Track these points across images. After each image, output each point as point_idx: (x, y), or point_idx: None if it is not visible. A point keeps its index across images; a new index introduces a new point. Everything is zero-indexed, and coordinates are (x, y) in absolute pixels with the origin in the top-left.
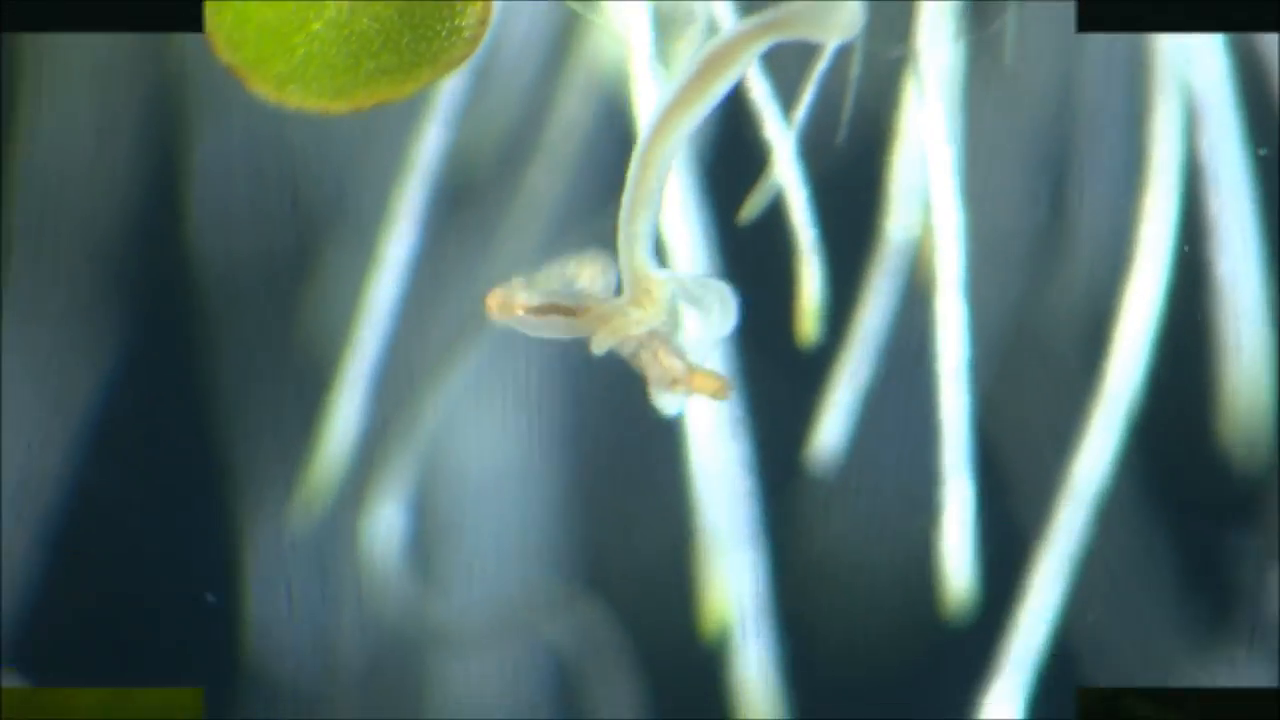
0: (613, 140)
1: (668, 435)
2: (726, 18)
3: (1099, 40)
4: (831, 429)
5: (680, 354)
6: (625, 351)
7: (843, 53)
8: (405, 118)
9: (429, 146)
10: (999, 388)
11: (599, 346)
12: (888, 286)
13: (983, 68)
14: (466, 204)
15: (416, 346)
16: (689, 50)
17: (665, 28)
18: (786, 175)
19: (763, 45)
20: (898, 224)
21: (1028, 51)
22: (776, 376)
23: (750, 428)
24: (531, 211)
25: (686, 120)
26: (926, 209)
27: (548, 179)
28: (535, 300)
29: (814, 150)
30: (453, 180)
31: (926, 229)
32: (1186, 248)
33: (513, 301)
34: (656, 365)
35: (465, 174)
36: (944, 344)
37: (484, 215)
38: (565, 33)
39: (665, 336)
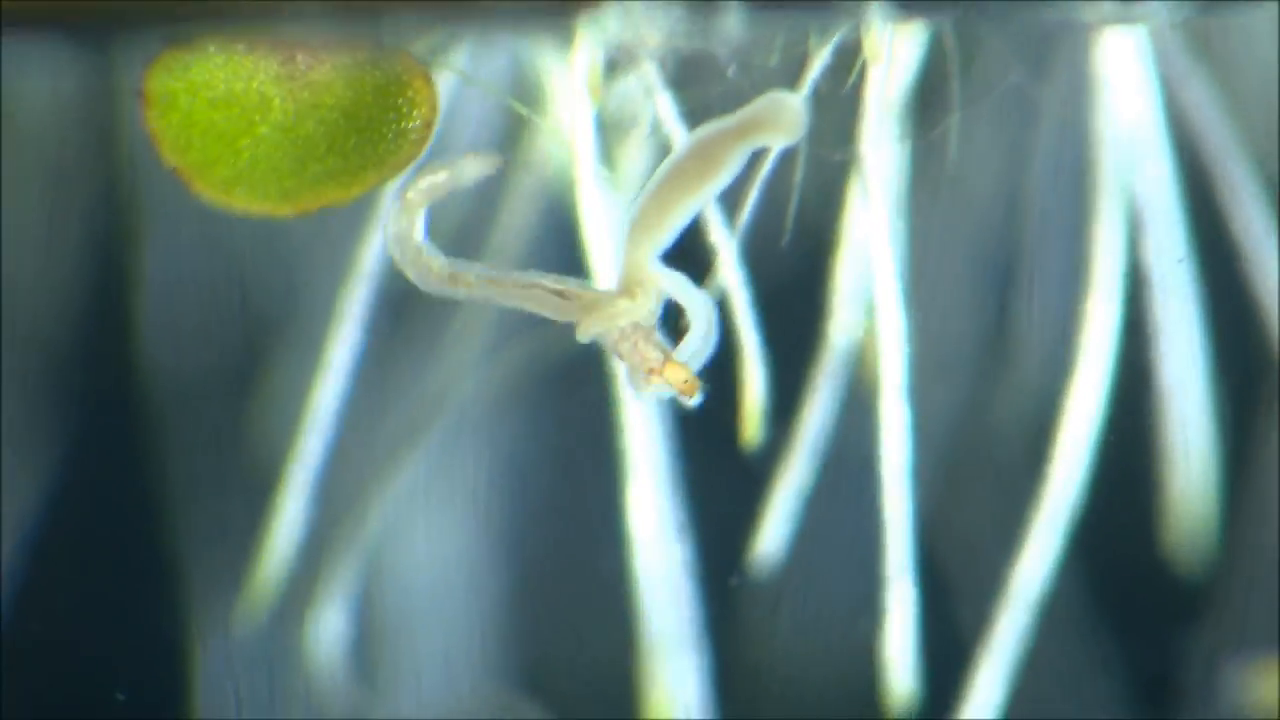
0: (558, 244)
1: (612, 538)
2: (671, 122)
3: (1044, 144)
4: (775, 532)
5: (660, 345)
6: (607, 341)
7: (787, 156)
8: (351, 221)
9: (374, 251)
10: (942, 492)
11: (585, 333)
12: (831, 390)
13: (927, 171)
14: (412, 308)
15: (361, 450)
16: (634, 154)
17: (610, 131)
18: (731, 278)
19: (731, 153)
20: (841, 327)
21: (972, 156)
22: (720, 479)
23: (694, 531)
24: (477, 315)
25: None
26: (870, 312)
27: None
28: (530, 279)
29: (758, 253)
30: (398, 284)
31: (870, 332)
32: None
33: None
34: (636, 354)
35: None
36: (887, 448)
37: (429, 320)
38: (511, 135)
39: (647, 329)
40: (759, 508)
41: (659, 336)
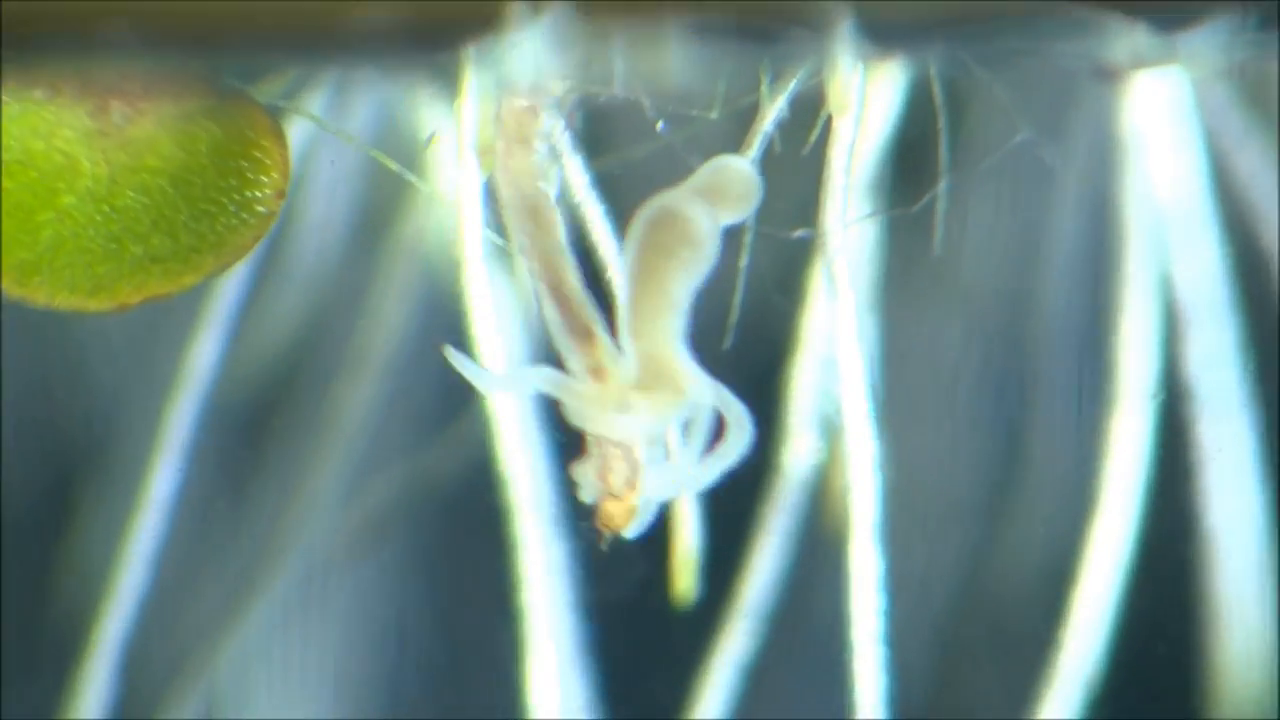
0: (438, 336)
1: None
2: (582, 191)
3: (1058, 223)
4: (713, 711)
5: (635, 471)
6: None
7: (732, 236)
8: (179, 320)
9: (207, 354)
10: (929, 666)
11: (581, 420)
12: (784, 534)
13: (908, 256)
14: (256, 429)
15: (189, 607)
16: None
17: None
18: None
19: (703, 212)
20: (799, 453)
21: (965, 236)
22: (644, 646)
23: (609, 711)
24: (338, 439)
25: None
26: (834, 435)
27: (358, 397)
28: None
29: (696, 358)
30: (239, 398)
31: (834, 460)
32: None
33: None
34: (608, 461)
35: (253, 388)
36: (857, 608)
37: (278, 443)
38: (381, 206)
39: (631, 445)
40: (692, 683)
41: (645, 458)
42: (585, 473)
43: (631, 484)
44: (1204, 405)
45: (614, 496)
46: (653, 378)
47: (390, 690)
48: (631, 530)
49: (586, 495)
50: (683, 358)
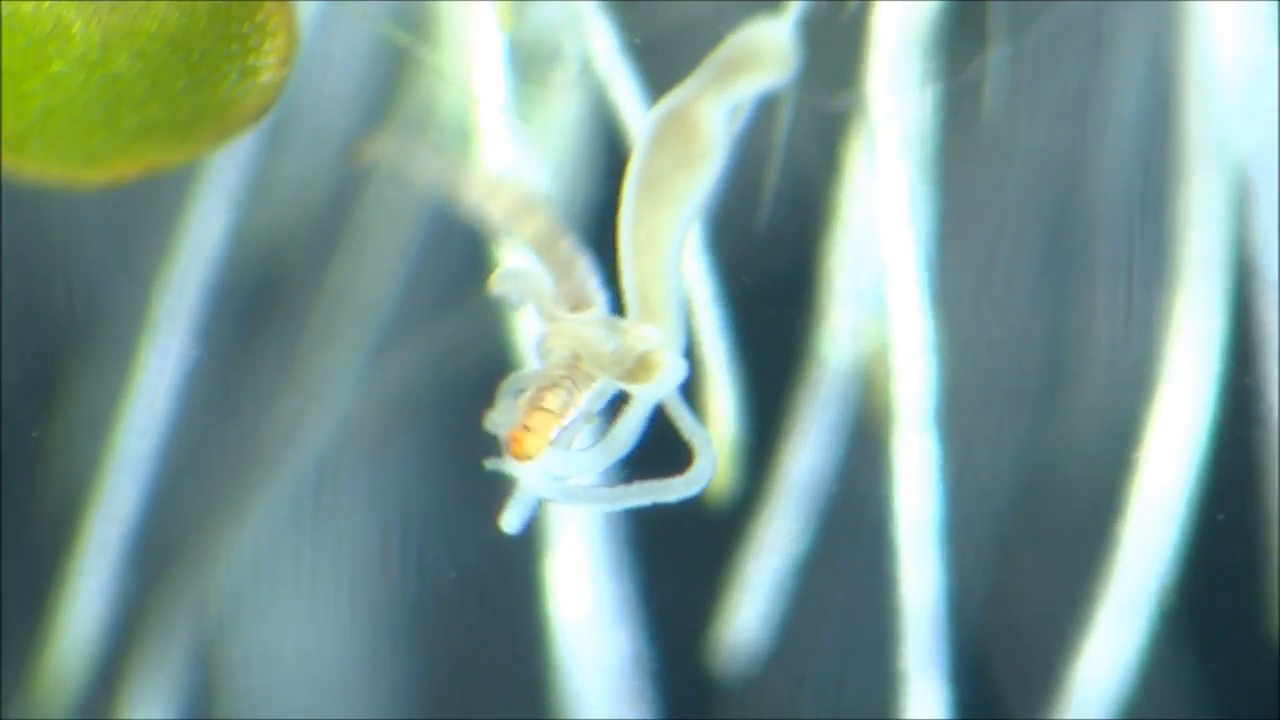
0: (454, 218)
1: (532, 620)
2: (608, 58)
3: (1118, 88)
4: (750, 612)
5: (569, 407)
6: (547, 360)
7: (769, 105)
8: (178, 192)
9: (208, 231)
10: (981, 559)
11: (548, 343)
12: (827, 422)
13: (959, 125)
14: (261, 308)
15: (190, 496)
16: (557, 102)
17: (524, 69)
18: (691, 269)
19: (711, 121)
20: (840, 337)
21: (1020, 104)
22: (677, 542)
23: (641, 609)
24: (344, 316)
25: (674, 206)
26: (881, 316)
27: (365, 273)
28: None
29: (728, 236)
30: (243, 277)
31: (881, 343)
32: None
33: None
34: (549, 395)
35: (256, 267)
36: (904, 499)
37: (280, 321)
38: (388, 79)
39: (585, 379)
40: (728, 581)
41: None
42: (520, 384)
43: (563, 412)
44: (1272, 282)
45: (537, 417)
46: (644, 313)
47: (405, 589)
48: (534, 463)
49: (505, 413)
50: (672, 298)
